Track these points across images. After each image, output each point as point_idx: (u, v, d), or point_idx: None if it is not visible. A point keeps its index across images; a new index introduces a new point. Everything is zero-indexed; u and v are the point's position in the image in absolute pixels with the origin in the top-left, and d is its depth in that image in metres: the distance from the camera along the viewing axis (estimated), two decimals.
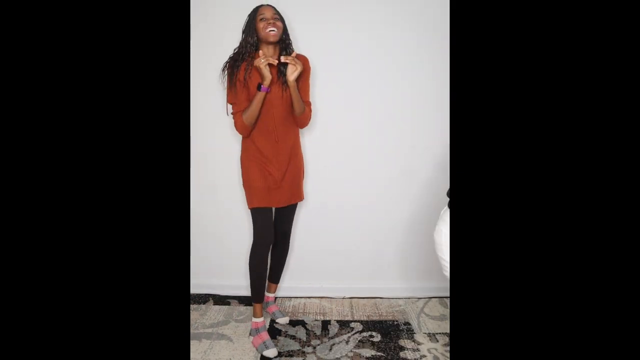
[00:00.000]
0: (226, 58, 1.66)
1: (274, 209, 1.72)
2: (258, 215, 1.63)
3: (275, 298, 1.99)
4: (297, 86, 1.56)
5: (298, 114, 1.59)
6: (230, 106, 1.61)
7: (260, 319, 1.71)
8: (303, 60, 1.61)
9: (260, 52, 1.48)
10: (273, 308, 1.92)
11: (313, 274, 2.11)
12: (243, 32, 1.57)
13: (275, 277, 1.91)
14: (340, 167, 2.01)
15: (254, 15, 1.53)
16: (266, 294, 1.90)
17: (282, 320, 1.86)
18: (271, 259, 1.85)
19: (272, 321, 1.85)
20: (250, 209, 1.64)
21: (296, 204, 1.76)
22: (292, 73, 1.48)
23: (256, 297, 1.71)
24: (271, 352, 1.60)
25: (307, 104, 1.65)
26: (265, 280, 1.80)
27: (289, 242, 1.85)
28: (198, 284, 2.11)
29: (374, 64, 1.93)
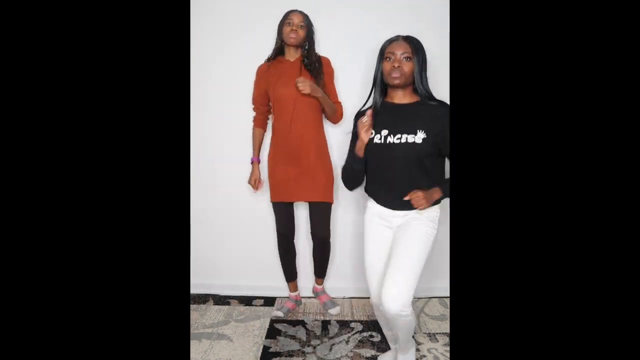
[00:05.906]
0: (225, 62, 1.77)
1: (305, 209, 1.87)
2: (274, 209, 1.83)
3: (324, 289, 2.05)
4: (323, 90, 1.68)
5: (330, 116, 1.75)
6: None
7: (294, 293, 2.01)
8: (325, 62, 1.72)
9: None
10: (323, 298, 2.00)
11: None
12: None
13: (319, 272, 1.99)
14: None
15: (283, 20, 1.66)
16: (315, 285, 2.04)
17: (334, 311, 1.91)
18: (313, 259, 1.96)
19: (272, 322, 1.85)
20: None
21: (320, 203, 1.78)
22: (302, 89, 1.59)
23: (286, 277, 1.98)
24: (280, 312, 1.90)
25: (336, 104, 1.76)
26: (294, 266, 1.97)
27: (327, 246, 1.90)
28: (198, 284, 2.11)
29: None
